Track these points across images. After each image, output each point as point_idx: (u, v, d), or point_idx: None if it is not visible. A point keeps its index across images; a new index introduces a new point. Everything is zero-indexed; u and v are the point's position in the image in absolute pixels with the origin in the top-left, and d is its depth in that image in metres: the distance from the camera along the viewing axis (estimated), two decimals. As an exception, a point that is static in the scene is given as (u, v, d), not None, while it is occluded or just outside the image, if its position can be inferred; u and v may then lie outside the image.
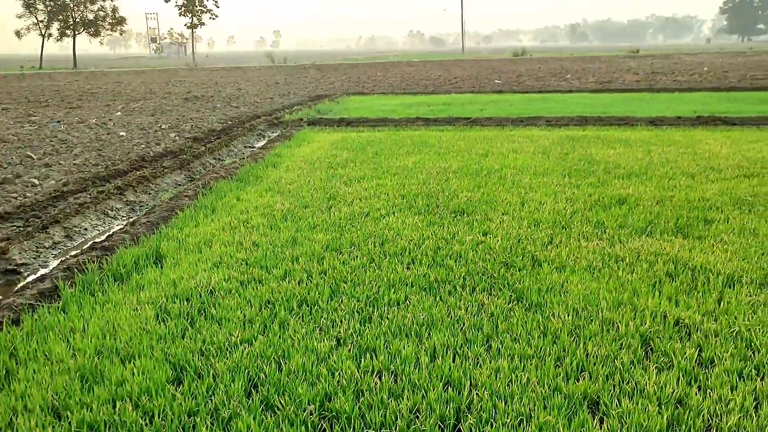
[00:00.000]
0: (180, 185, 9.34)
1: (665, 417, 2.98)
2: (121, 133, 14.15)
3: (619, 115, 14.75)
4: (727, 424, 2.94)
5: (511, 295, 4.46)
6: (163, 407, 3.17)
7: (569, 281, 4.67)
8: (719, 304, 4.23)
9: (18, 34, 66.28)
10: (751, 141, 10.66)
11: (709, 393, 3.20)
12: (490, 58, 66.35)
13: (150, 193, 8.70)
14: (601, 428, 2.96)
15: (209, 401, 3.22)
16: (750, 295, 4.36)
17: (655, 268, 4.90)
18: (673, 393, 3.18)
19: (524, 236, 5.74)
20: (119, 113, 19.00)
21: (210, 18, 70.14)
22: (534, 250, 5.35)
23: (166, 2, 68.76)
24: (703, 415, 3.01)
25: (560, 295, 4.42)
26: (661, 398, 3.15)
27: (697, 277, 4.70)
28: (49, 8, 63.85)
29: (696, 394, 3.18)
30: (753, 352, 3.59)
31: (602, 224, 6.08)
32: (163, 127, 15.38)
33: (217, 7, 70.30)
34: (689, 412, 3.03)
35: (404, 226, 6.16)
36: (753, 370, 3.41)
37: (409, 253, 5.36)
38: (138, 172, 9.44)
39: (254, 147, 12.96)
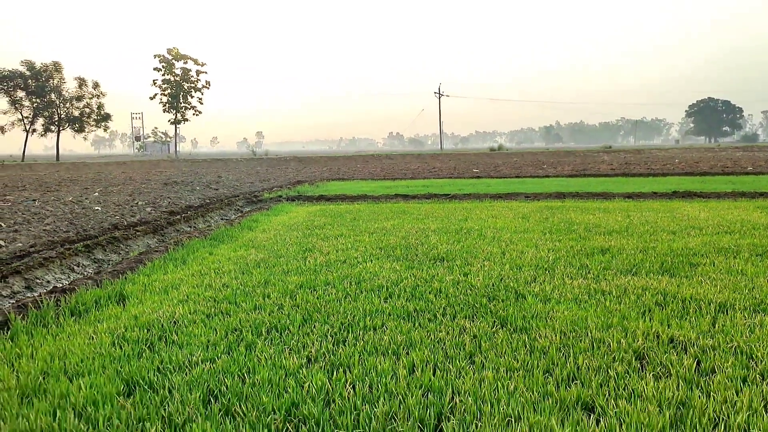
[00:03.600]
0: (151, 247, 9.05)
1: (667, 416, 2.70)
2: (96, 208, 13.92)
3: (596, 191, 14.89)
4: (735, 421, 2.67)
5: (495, 321, 4.20)
6: (110, 416, 2.82)
7: (555, 310, 4.43)
8: (714, 326, 4.01)
9: (2, 129, 66.70)
10: (728, 208, 10.72)
11: (713, 396, 2.93)
12: (468, 152, 67.87)
13: (119, 253, 8.40)
14: (597, 427, 2.67)
15: (162, 410, 2.88)
16: (745, 319, 4.15)
17: (644, 299, 4.69)
18: (674, 396, 2.91)
19: (506, 276, 5.54)
20: (96, 194, 18.82)
21: (194, 114, 71.52)
22: (517, 287, 5.13)
23: (151, 99, 70.27)
24: (708, 414, 2.73)
25: (546, 321, 4.18)
26: (661, 401, 2.87)
27: (688, 306, 4.49)
28: (35, 105, 64.81)
29: (699, 397, 2.91)
30: (755, 363, 3.35)
31: (586, 267, 5.91)
32: (140, 203, 15.19)
33: (201, 103, 71.87)
34: (693, 411, 2.75)
35: (381, 269, 5.93)
36: (758, 376, 3.16)
37: (387, 290, 5.11)
38: (109, 235, 9.16)
39: (230, 218, 12.78)
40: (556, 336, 3.81)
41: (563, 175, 24.39)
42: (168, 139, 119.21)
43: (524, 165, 35.35)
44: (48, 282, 6.78)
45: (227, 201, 15.37)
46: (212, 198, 16.67)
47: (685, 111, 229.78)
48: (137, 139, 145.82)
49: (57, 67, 64.60)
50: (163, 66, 69.20)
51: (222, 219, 12.94)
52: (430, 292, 4.99)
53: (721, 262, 6.05)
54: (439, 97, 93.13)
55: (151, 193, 18.93)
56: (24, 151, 65.57)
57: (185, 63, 69.81)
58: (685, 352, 3.52)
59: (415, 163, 44.17)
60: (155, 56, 69.29)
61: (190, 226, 11.23)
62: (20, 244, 8.82)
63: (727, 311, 4.35)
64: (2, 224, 11.00)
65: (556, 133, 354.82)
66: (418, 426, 2.69)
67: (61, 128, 66.37)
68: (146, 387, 3.16)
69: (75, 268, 7.40)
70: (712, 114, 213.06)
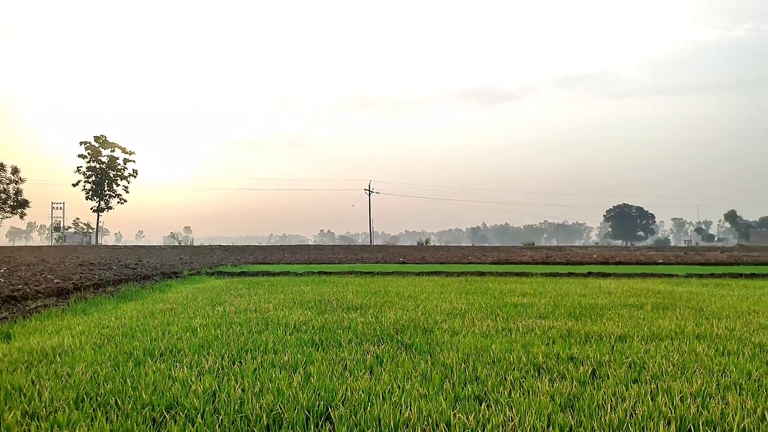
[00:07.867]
0: (51, 305, 8.56)
1: (558, 402, 2.68)
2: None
3: (515, 272, 15.23)
4: (621, 407, 2.67)
5: (400, 346, 4.14)
6: (-35, 410, 2.57)
7: (460, 341, 4.41)
8: (612, 350, 4.08)
9: None
10: (636, 282, 11.14)
11: (603, 391, 2.94)
12: (397, 246, 68.64)
13: (16, 312, 7.89)
14: (488, 410, 2.61)
15: (25, 406, 2.65)
16: (642, 344, 4.25)
17: (549, 334, 4.75)
18: (567, 391, 2.91)
19: (417, 318, 5.51)
20: (2, 271, 17.82)
21: (119, 203, 69.57)
22: (426, 325, 5.11)
23: (74, 186, 68.23)
24: (597, 401, 2.74)
25: (450, 347, 4.14)
26: (554, 394, 2.86)
27: (590, 338, 4.57)
28: (-56, 189, 61.86)
29: (590, 391, 2.92)
30: (647, 371, 3.40)
31: (497, 314, 5.95)
32: (49, 277, 14.46)
33: (127, 192, 70.20)
34: (583, 400, 2.75)
35: (292, 314, 5.79)
36: (648, 378, 3.21)
37: (295, 327, 4.98)
38: (6, 295, 8.63)
39: (143, 285, 12.30)
40: (459, 355, 3.78)
41: (486, 262, 24.89)
42: (90, 231, 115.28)
43: (450, 256, 35.95)
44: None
45: (144, 276, 14.85)
46: (129, 275, 16.07)
47: (603, 216, 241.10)
48: (56, 229, 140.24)
49: (-25, 151, 62.46)
50: (89, 153, 67.78)
51: (135, 287, 12.44)
52: (338, 328, 4.90)
53: (625, 312, 6.23)
54: (369, 194, 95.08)
55: (63, 272, 18.08)
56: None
57: (113, 151, 68.69)
58: (582, 365, 3.55)
59: (344, 253, 44.12)
60: (81, 143, 67.96)
61: (99, 293, 10.73)
62: None
63: (625, 340, 4.45)
64: None
65: (482, 234, 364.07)
66: (305, 413, 2.57)
67: (-27, 214, 63.20)
68: (12, 391, 2.91)
69: (-37, 321, 6.88)
70: (627, 219, 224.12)
